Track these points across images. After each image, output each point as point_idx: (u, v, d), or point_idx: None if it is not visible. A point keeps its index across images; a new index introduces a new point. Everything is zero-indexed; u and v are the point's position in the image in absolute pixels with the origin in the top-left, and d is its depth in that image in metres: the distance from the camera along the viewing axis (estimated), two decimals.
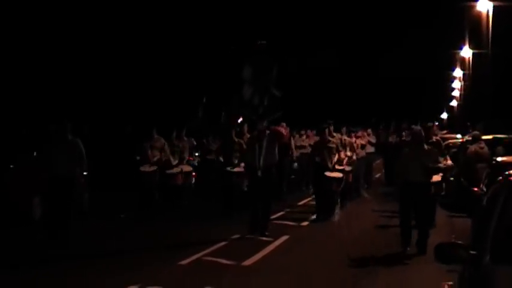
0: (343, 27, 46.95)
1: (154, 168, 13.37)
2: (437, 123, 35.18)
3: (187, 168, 14.72)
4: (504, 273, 3.82)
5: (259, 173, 10.89)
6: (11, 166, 12.29)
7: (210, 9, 32.45)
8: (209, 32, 31.66)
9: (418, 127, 11.06)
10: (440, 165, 10.03)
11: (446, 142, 16.56)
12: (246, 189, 12.60)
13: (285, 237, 10.66)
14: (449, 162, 11.82)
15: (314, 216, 12.79)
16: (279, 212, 13.33)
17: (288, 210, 14.03)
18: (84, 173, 11.25)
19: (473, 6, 30.60)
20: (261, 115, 11.32)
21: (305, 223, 12.46)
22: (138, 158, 14.00)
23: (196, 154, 16.67)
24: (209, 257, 8.84)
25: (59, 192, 10.25)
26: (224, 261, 8.58)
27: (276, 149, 11.44)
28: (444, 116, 68.75)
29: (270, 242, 10.06)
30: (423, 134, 9.95)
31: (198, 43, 31.33)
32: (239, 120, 13.99)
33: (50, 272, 8.08)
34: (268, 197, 11.07)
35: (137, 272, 7.90)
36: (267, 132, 11.22)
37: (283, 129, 14.65)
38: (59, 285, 7.58)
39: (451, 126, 47.73)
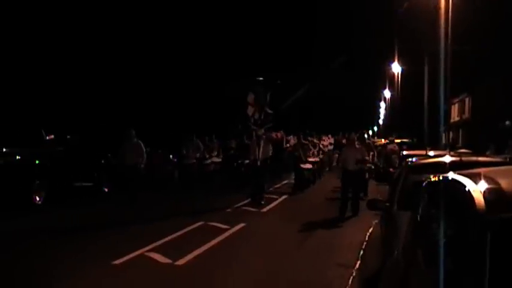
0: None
1: (193, 161, 19.02)
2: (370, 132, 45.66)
3: (216, 159, 20.69)
4: (403, 215, 5.24)
5: (258, 163, 15.48)
6: None
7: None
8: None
9: (353, 134, 15.92)
10: (367, 158, 14.82)
11: (375, 143, 27.61)
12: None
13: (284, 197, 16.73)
14: (376, 155, 18.32)
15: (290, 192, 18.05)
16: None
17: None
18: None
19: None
20: (259, 125, 15.81)
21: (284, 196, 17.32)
22: (184, 153, 19.10)
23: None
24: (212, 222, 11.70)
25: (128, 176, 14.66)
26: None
27: (270, 147, 15.97)
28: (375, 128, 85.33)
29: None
30: (356, 138, 15.05)
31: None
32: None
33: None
34: (263, 177, 15.67)
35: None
36: (264, 136, 15.80)
37: (279, 134, 21.29)
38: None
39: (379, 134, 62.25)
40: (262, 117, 15.99)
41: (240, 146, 19.76)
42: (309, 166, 19.03)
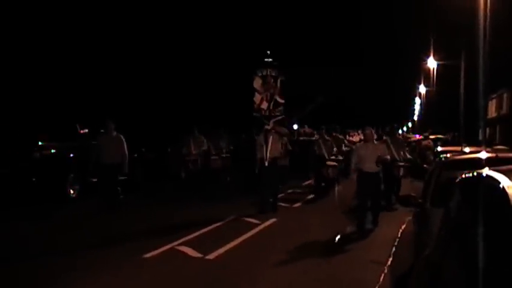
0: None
1: (196, 157, 16.24)
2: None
3: (226, 155, 17.72)
4: (436, 212, 5.07)
5: (266, 163, 12.60)
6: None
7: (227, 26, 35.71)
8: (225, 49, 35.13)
9: (369, 128, 11.68)
10: (388, 156, 11.44)
11: (409, 139, 27.01)
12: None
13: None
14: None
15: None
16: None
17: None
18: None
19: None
20: (267, 117, 13.35)
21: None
22: (183, 149, 16.55)
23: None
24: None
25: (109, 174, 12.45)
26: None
27: (281, 144, 13.24)
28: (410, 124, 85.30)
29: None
30: (373, 132, 11.72)
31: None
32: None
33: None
34: (273, 181, 12.78)
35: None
36: (273, 131, 13.00)
37: (308, 130, 19.43)
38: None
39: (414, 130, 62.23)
40: (271, 107, 13.60)
41: (246, 141, 17.03)
42: (332, 164, 15.84)
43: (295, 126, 28.71)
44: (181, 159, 16.86)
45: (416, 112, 75.53)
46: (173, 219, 11.54)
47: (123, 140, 12.57)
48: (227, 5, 36.28)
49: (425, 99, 58.74)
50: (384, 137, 14.73)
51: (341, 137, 18.74)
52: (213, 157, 17.05)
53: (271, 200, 12.74)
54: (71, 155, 14.18)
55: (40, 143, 13.85)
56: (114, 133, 12.63)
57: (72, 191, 13.89)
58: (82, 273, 7.37)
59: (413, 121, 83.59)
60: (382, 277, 7.28)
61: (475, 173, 3.81)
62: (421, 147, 19.43)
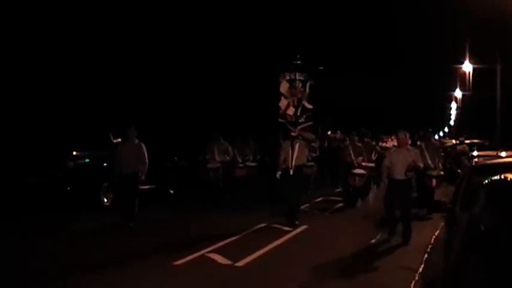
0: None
1: (218, 165, 15.56)
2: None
3: (251, 164, 17.11)
4: (465, 216, 5.16)
5: (291, 172, 11.94)
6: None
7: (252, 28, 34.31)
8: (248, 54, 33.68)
9: (403, 132, 10.79)
10: (420, 164, 10.56)
11: (445, 144, 27.67)
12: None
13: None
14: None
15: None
16: None
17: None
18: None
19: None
20: (293, 124, 12.36)
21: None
22: (207, 157, 15.86)
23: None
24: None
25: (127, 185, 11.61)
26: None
27: (307, 151, 12.78)
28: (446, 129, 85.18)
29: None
30: (407, 136, 10.85)
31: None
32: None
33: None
34: (297, 190, 12.20)
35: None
36: (300, 137, 12.25)
37: (338, 135, 18.59)
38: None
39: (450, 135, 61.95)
40: (298, 113, 12.56)
41: (271, 148, 15.53)
42: (361, 172, 14.86)
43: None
44: (204, 167, 16.09)
45: (453, 117, 74.36)
46: (203, 227, 11.53)
47: (144, 148, 11.84)
48: (255, 8, 35.35)
49: (461, 103, 57.81)
50: (418, 142, 14.33)
51: (373, 143, 17.42)
52: (239, 165, 16.56)
53: (292, 212, 11.92)
54: (105, 164, 14.31)
55: (74, 153, 14.06)
56: (136, 141, 11.93)
57: (106, 199, 14.06)
58: (111, 280, 7.45)
59: (449, 126, 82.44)
60: (412, 284, 7.18)
61: (502, 177, 3.71)
62: (456, 152, 19.19)
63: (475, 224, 3.74)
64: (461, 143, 20.26)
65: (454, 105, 67.22)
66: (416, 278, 7.45)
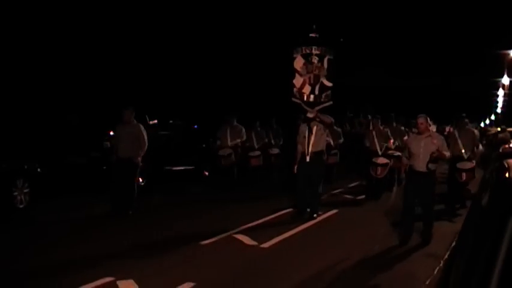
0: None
1: (229, 151, 14.58)
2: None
3: (274, 151, 16.21)
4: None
5: (308, 159, 10.64)
6: None
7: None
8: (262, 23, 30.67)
9: (424, 116, 9.04)
10: (446, 153, 9.09)
11: (488, 132, 27.82)
12: None
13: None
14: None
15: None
16: None
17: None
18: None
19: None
20: (310, 104, 10.95)
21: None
22: (218, 142, 15.00)
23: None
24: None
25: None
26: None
27: (326, 136, 11.23)
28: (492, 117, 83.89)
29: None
30: (427, 121, 9.10)
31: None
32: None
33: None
34: (316, 180, 10.80)
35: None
36: (317, 119, 10.78)
37: (364, 120, 17.30)
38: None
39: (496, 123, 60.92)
40: (316, 92, 11.04)
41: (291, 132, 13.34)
42: (384, 161, 13.47)
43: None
44: (215, 154, 15.06)
45: (500, 104, 72.43)
46: (233, 210, 11.62)
47: (142, 130, 10.92)
48: None
49: (509, 90, 56.25)
50: (450, 129, 14.00)
51: (405, 129, 15.67)
52: (254, 153, 15.60)
53: (308, 207, 10.84)
54: None
55: (111, 133, 14.35)
56: (134, 122, 10.97)
57: (140, 179, 14.31)
58: (140, 258, 7.63)
59: (496, 114, 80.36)
60: (436, 271, 7.15)
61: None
62: (497, 140, 18.76)
63: (476, 209, 3.71)
64: (503, 130, 19.80)
65: (501, 92, 65.36)
66: (441, 264, 7.42)
